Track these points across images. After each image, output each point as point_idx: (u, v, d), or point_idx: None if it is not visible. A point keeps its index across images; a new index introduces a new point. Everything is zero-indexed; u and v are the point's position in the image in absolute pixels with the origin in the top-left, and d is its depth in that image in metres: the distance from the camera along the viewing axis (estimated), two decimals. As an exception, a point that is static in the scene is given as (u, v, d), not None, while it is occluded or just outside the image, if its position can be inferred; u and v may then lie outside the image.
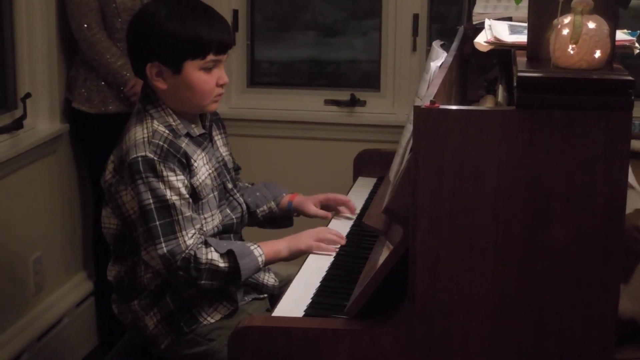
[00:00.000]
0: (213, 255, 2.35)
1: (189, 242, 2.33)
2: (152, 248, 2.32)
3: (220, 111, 2.69)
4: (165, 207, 2.32)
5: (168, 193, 2.33)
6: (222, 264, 2.35)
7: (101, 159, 2.59)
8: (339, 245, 2.54)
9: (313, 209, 2.75)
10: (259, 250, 2.42)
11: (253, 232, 2.80)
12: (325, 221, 2.78)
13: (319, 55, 4.38)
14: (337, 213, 2.81)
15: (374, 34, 4.21)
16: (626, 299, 2.10)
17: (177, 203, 2.33)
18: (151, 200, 2.32)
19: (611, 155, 1.85)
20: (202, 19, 2.41)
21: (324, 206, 2.79)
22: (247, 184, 2.79)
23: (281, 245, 2.49)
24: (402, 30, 4.05)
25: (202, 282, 2.35)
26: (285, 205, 2.77)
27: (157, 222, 2.32)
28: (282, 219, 2.80)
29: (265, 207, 2.75)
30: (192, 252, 2.32)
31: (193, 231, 2.35)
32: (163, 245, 2.31)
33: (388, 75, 4.11)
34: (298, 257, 2.50)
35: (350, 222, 2.75)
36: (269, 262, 2.46)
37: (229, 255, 2.36)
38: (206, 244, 2.36)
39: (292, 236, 2.53)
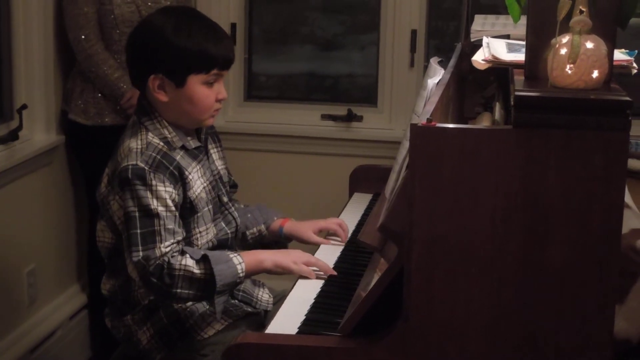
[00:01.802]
0: (187, 262, 2.30)
1: (165, 249, 2.29)
2: (129, 256, 2.30)
3: (217, 125, 2.69)
4: (149, 216, 2.30)
5: (154, 203, 2.31)
6: (196, 270, 2.30)
7: (97, 171, 2.58)
8: (322, 274, 2.46)
9: (311, 235, 2.69)
10: (239, 259, 2.36)
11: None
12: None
13: (317, 69, 4.38)
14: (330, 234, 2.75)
15: (372, 48, 4.22)
16: (621, 319, 2.10)
17: (162, 214, 2.31)
18: (136, 208, 2.31)
19: (608, 175, 1.85)
20: (208, 34, 2.42)
21: (322, 232, 2.73)
22: (241, 205, 2.77)
23: (265, 255, 2.43)
24: (399, 46, 4.06)
25: (177, 290, 2.30)
26: (275, 229, 2.72)
27: (138, 230, 2.30)
28: (273, 244, 2.74)
29: (255, 230, 2.72)
30: (166, 259, 2.29)
31: (171, 241, 2.32)
32: (140, 252, 2.28)
33: (385, 90, 4.12)
34: (282, 273, 2.44)
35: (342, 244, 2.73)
36: (250, 271, 2.40)
37: (204, 261, 2.31)
38: (182, 252, 2.33)
39: (280, 250, 2.50)
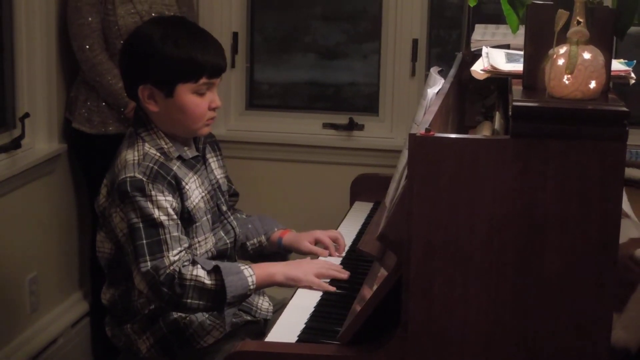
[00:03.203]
0: (199, 272, 2.30)
1: (174, 258, 2.30)
2: (137, 267, 2.30)
3: (218, 133, 2.69)
4: (153, 226, 2.31)
5: (156, 212, 2.31)
6: (207, 280, 2.30)
7: (100, 179, 2.59)
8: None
9: (307, 245, 2.68)
10: (250, 271, 2.36)
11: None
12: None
13: (319, 77, 4.39)
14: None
15: (374, 57, 4.22)
16: (620, 328, 2.11)
17: (165, 222, 2.32)
18: (139, 219, 2.31)
19: (605, 184, 1.86)
20: (196, 42, 2.41)
21: (318, 242, 2.71)
22: (243, 215, 2.77)
23: (276, 268, 2.43)
24: (401, 55, 4.06)
25: (188, 300, 2.30)
26: (275, 240, 2.72)
27: (144, 241, 2.30)
28: (273, 256, 2.74)
29: (255, 241, 2.72)
30: (177, 269, 2.29)
31: (179, 249, 2.32)
32: (148, 262, 2.28)
33: (387, 99, 4.12)
34: (293, 286, 2.43)
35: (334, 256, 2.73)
36: (261, 284, 2.39)
37: (215, 272, 2.32)
38: (193, 262, 2.33)
39: (291, 262, 2.49)
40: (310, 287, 2.42)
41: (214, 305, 2.34)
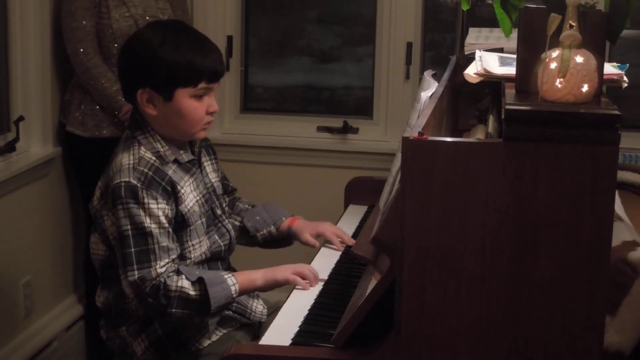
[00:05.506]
0: (183, 283, 2.32)
1: (160, 270, 2.31)
2: (124, 275, 2.32)
3: (213, 136, 2.70)
4: (143, 235, 2.32)
5: (147, 221, 2.32)
6: (192, 291, 2.32)
7: (94, 183, 2.60)
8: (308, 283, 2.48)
9: (306, 236, 2.75)
10: (233, 280, 2.38)
11: (247, 254, 2.79)
12: (315, 248, 2.78)
13: (313, 81, 4.40)
14: (328, 241, 2.79)
15: (368, 60, 4.23)
16: (613, 332, 2.11)
17: (155, 231, 2.32)
18: (129, 227, 2.32)
19: (597, 188, 1.87)
20: (196, 47, 2.42)
21: (319, 235, 2.79)
22: (247, 206, 2.80)
23: (257, 274, 2.46)
24: (395, 58, 4.07)
25: (173, 310, 2.32)
26: (285, 229, 2.78)
27: (133, 249, 2.31)
28: (282, 240, 2.81)
29: (265, 231, 2.76)
30: (162, 280, 2.30)
31: (167, 260, 2.33)
32: (135, 272, 2.30)
33: (381, 103, 4.13)
34: (273, 288, 2.48)
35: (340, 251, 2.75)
36: (243, 291, 2.42)
37: (199, 283, 2.33)
38: (178, 272, 2.34)
39: (269, 268, 2.51)
40: (287, 282, 2.48)
41: (198, 314, 2.35)
